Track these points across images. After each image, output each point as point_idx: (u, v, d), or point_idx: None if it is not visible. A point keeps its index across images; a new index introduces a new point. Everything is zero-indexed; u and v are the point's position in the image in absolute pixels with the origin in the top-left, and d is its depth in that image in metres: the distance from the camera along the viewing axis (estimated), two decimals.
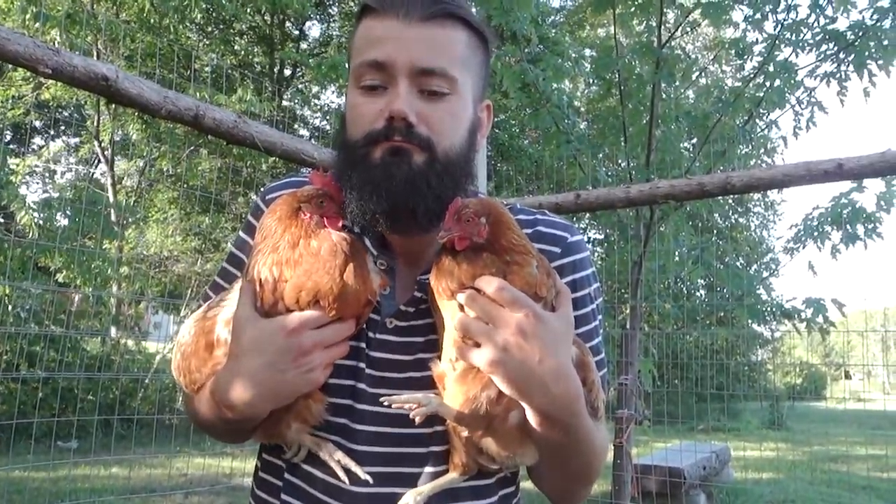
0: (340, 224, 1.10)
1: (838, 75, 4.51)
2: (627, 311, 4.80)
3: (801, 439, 14.73)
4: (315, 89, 15.79)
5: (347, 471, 1.11)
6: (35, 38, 2.33)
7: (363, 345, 1.16)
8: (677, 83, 5.10)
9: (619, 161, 6.06)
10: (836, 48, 4.47)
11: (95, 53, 10.41)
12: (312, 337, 1.04)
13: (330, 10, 17.07)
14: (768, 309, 4.79)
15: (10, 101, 11.50)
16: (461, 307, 1.02)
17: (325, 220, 1.09)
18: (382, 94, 1.08)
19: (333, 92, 15.79)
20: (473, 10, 1.24)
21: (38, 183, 14.10)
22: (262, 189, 1.36)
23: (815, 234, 4.77)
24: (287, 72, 15.86)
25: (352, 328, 1.09)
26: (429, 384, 1.11)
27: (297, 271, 1.04)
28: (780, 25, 4.55)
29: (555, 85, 5.14)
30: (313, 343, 1.04)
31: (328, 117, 15.56)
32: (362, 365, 1.16)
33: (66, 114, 14.08)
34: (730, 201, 15.59)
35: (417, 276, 1.17)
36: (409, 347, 1.16)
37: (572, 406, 1.03)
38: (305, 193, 1.09)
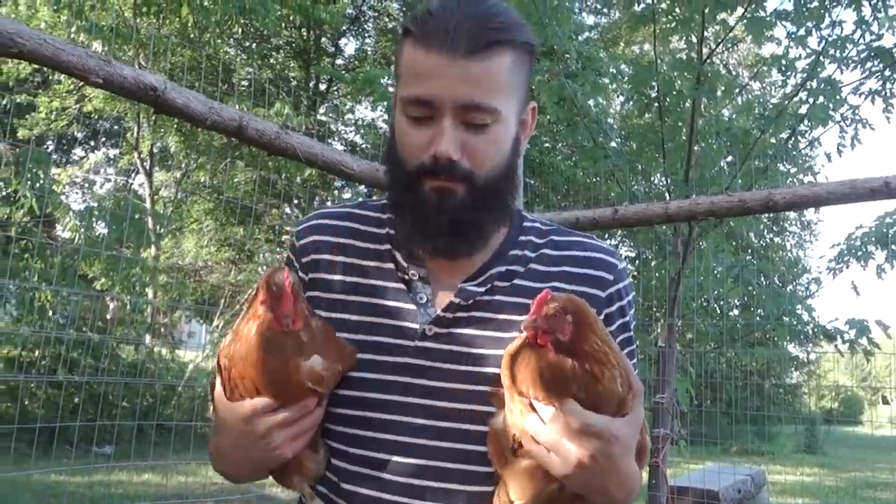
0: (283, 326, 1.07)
1: (884, 92, 4.43)
2: (659, 329, 4.73)
3: (838, 464, 14.36)
4: (349, 104, 15.96)
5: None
6: (87, 49, 2.39)
7: (388, 358, 1.16)
8: (717, 100, 5.05)
9: (654, 179, 6.01)
10: (881, 65, 4.40)
11: (137, 67, 10.63)
12: (265, 423, 1.07)
13: (365, 27, 17.27)
14: (810, 329, 4.69)
15: (55, 112, 11.80)
16: (532, 406, 1.02)
17: (272, 316, 1.06)
18: (428, 125, 1.10)
19: (366, 107, 15.95)
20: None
21: (77, 193, 14.42)
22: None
23: (859, 253, 4.67)
24: (322, 86, 16.07)
25: (309, 405, 1.10)
26: (470, 397, 1.12)
27: (239, 359, 1.07)
28: (824, 42, 4.48)
29: (591, 101, 5.12)
30: (267, 428, 1.07)
31: (362, 131, 15.70)
32: (392, 378, 1.16)
33: (107, 125, 14.42)
34: (765, 220, 15.35)
35: (459, 283, 1.18)
36: (450, 356, 1.16)
37: (630, 490, 1.07)
38: (273, 280, 1.06)
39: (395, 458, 1.13)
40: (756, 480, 8.67)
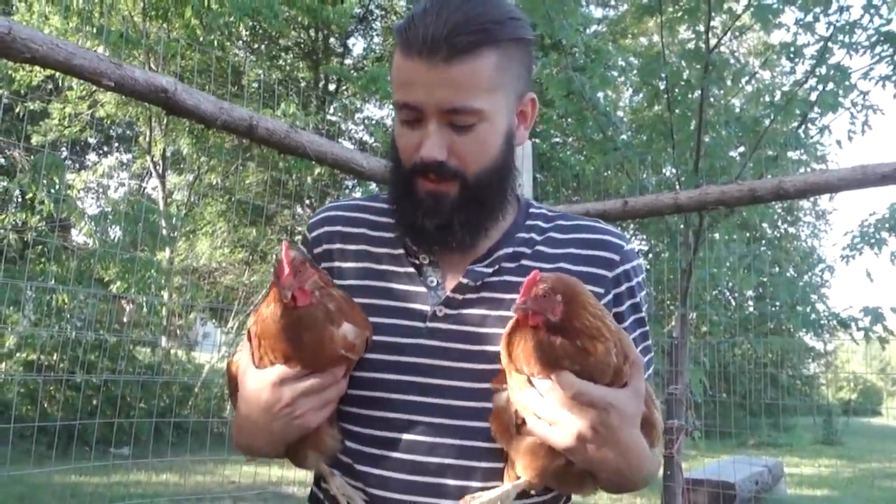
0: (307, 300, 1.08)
1: (894, 77, 4.40)
2: (674, 321, 4.72)
3: (857, 456, 14.26)
4: (358, 104, 16.01)
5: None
6: (98, 53, 2.43)
7: (400, 340, 1.19)
8: (725, 89, 5.03)
9: (664, 171, 5.99)
10: (891, 50, 4.37)
11: (147, 70, 10.66)
12: (293, 389, 1.09)
13: (373, 26, 17.32)
14: (823, 318, 4.67)
15: (68, 118, 11.91)
16: (530, 381, 1.05)
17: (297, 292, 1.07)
18: (418, 128, 1.15)
19: (375, 104, 16.00)
20: (512, 0, 1.25)
21: (92, 198, 14.56)
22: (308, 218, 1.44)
23: (872, 240, 4.64)
24: (332, 86, 16.12)
25: (336, 375, 1.12)
26: (480, 375, 1.15)
27: (270, 335, 1.09)
28: (832, 27, 4.45)
29: (600, 94, 5.12)
30: (294, 395, 1.09)
31: (370, 129, 15.75)
32: (405, 359, 1.19)
33: (119, 130, 14.54)
34: (779, 210, 15.24)
35: (466, 265, 1.21)
36: (460, 336, 1.19)
37: (638, 467, 1.08)
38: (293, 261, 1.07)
39: (409, 437, 1.16)
40: (773, 472, 8.65)
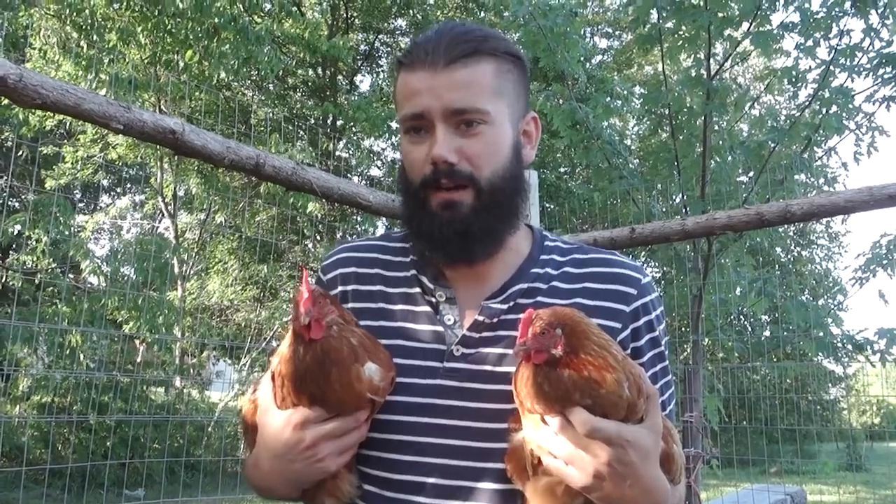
0: (321, 333, 1.07)
1: None
2: (689, 348, 4.68)
3: (883, 482, 13.94)
4: (363, 138, 16.19)
5: None
6: (107, 97, 2.48)
7: (418, 381, 1.18)
8: (729, 115, 5.05)
9: (674, 197, 6.00)
10: (894, 72, 4.38)
11: (158, 112, 10.82)
12: (315, 432, 1.08)
13: (378, 62, 17.60)
14: (838, 341, 4.61)
15: (81, 161, 12.06)
16: (543, 420, 1.03)
17: (313, 323, 1.07)
18: (426, 139, 1.17)
19: (375, 138, 16.18)
20: (515, 36, 1.30)
21: (105, 239, 14.69)
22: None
23: (885, 261, 4.60)
24: (340, 122, 16.32)
25: (358, 420, 1.11)
26: (497, 415, 1.13)
27: (292, 371, 1.08)
28: (833, 51, 4.48)
29: (605, 123, 5.15)
30: (315, 438, 1.08)
31: (377, 163, 15.91)
32: (423, 400, 1.17)
33: (132, 172, 14.70)
34: (791, 233, 15.15)
35: (482, 301, 1.20)
36: (477, 375, 1.17)
37: None
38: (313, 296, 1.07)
39: (428, 480, 1.14)
40: (796, 500, 8.45)
